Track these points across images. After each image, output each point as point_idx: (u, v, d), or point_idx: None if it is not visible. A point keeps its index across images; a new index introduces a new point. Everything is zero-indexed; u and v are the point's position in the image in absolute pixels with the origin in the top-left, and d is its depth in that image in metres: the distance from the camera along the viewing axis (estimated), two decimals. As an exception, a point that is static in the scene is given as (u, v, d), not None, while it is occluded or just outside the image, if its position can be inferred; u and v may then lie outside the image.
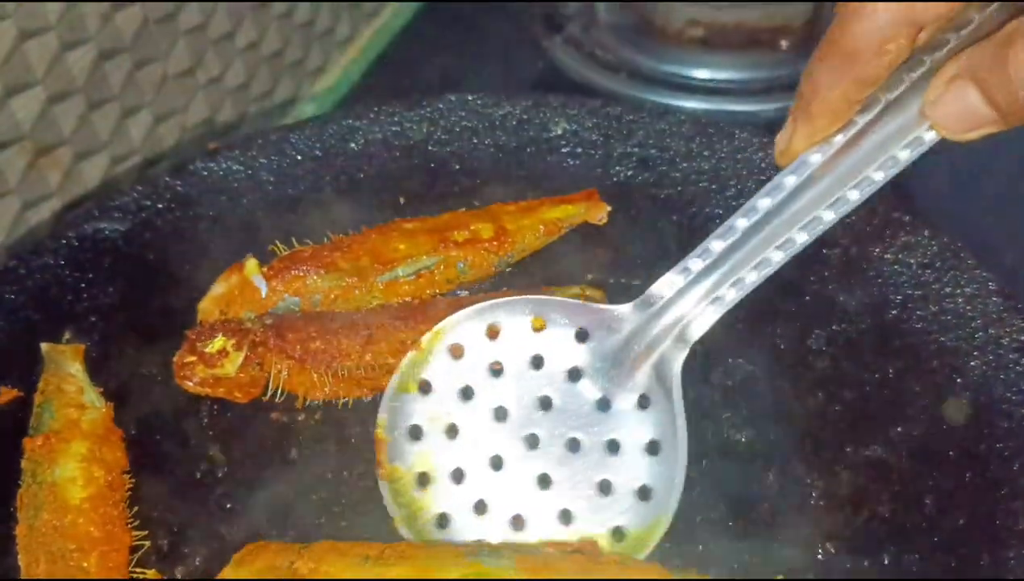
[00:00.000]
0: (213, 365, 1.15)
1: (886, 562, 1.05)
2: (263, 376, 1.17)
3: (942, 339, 1.17)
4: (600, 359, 0.99)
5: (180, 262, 1.26)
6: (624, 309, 0.97)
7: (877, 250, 1.25)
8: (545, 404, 1.00)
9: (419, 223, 1.30)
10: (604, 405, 1.00)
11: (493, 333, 1.01)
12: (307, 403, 1.18)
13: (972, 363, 1.14)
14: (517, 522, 0.99)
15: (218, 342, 1.16)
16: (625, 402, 0.99)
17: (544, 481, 1.00)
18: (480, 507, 1.00)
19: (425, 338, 1.03)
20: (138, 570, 1.04)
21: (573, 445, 0.99)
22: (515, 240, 1.29)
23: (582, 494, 0.99)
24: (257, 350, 1.17)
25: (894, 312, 1.21)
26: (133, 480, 1.10)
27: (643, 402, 0.99)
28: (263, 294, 1.21)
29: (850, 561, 1.05)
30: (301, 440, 1.15)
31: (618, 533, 0.99)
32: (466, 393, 1.01)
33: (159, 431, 1.16)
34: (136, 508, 1.08)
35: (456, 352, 1.01)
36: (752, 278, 0.92)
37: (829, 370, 1.19)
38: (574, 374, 1.00)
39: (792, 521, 1.07)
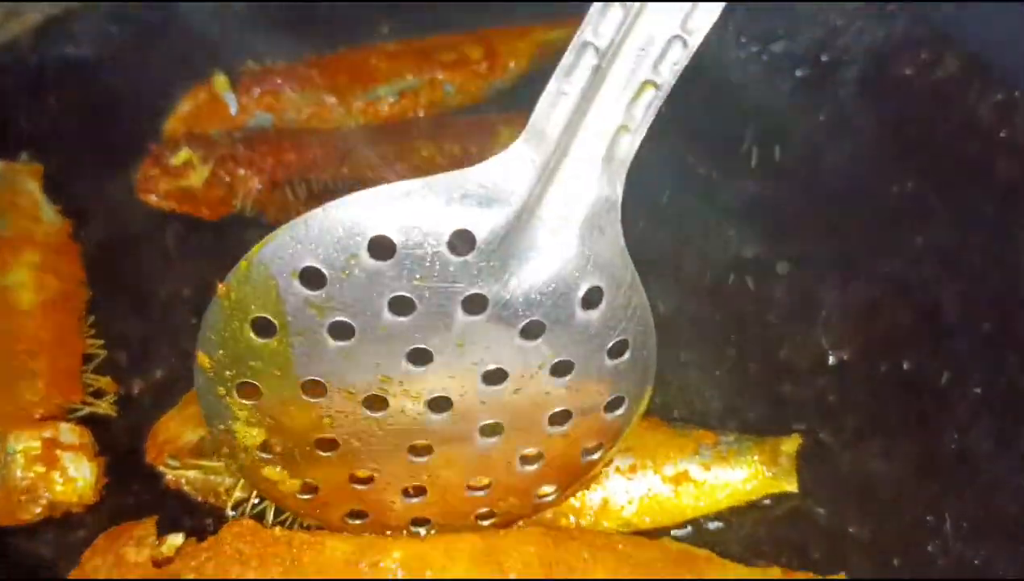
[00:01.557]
0: (178, 177, 1.07)
1: (905, 367, 0.95)
2: (231, 193, 1.09)
3: (967, 149, 1.08)
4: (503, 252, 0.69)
5: (145, 86, 1.18)
6: (511, 165, 0.67)
7: (896, 67, 1.15)
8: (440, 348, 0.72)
9: (403, 45, 1.22)
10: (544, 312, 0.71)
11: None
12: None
13: (999, 167, 1.04)
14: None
15: (183, 154, 1.09)
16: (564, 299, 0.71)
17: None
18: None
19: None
20: (93, 377, 0.96)
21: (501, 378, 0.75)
22: (507, 63, 1.20)
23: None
24: (226, 165, 1.09)
25: (915, 126, 1.11)
26: (92, 294, 1.02)
27: (591, 296, 0.71)
28: (233, 111, 1.13)
29: (865, 367, 0.95)
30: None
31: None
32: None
33: (122, 250, 1.08)
34: (95, 320, 1.01)
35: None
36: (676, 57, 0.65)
37: (846, 186, 1.09)
38: (475, 303, 0.70)
39: (801, 330, 0.98)
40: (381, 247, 0.67)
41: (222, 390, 0.74)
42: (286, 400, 0.74)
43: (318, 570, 0.79)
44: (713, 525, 0.88)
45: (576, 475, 0.82)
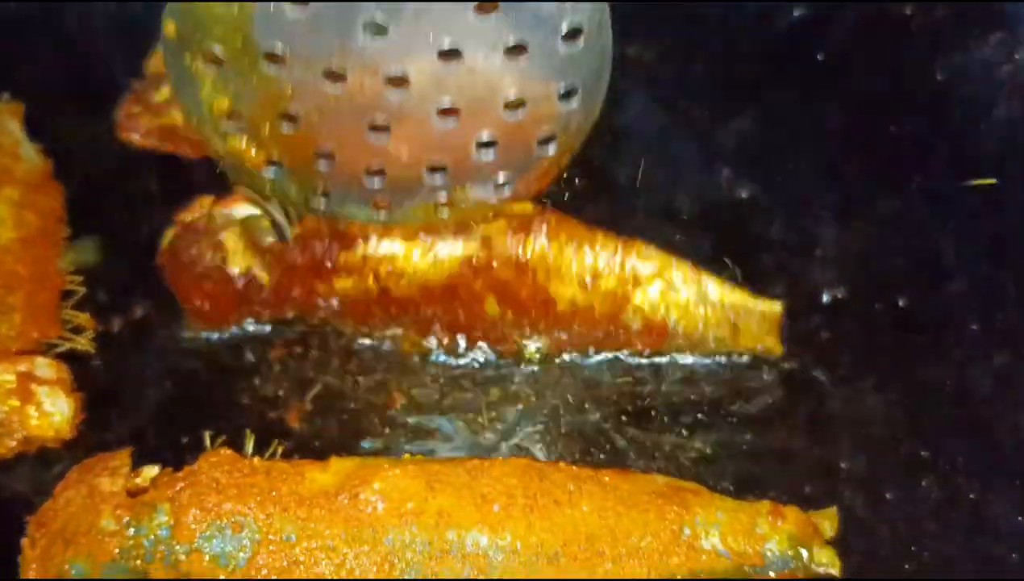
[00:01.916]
0: (159, 115, 1.05)
1: (901, 306, 0.93)
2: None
3: (966, 88, 1.05)
4: None
5: (127, 24, 1.15)
6: None
7: (894, 5, 1.13)
8: None
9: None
10: None
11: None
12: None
13: (996, 109, 1.02)
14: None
15: (165, 91, 1.06)
16: None
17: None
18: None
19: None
20: (72, 313, 0.95)
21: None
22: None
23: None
24: (209, 103, 1.06)
25: (914, 67, 1.09)
26: (71, 231, 1.00)
27: None
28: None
29: (862, 306, 0.93)
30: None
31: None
32: None
33: (101, 189, 1.06)
34: (74, 257, 0.99)
35: None
36: None
37: (843, 127, 1.07)
38: None
39: (796, 269, 0.96)
40: None
41: (188, 56, 0.77)
42: (248, 68, 0.76)
43: (297, 501, 0.77)
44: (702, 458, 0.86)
45: (534, 169, 0.84)
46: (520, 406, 0.91)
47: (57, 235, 1.00)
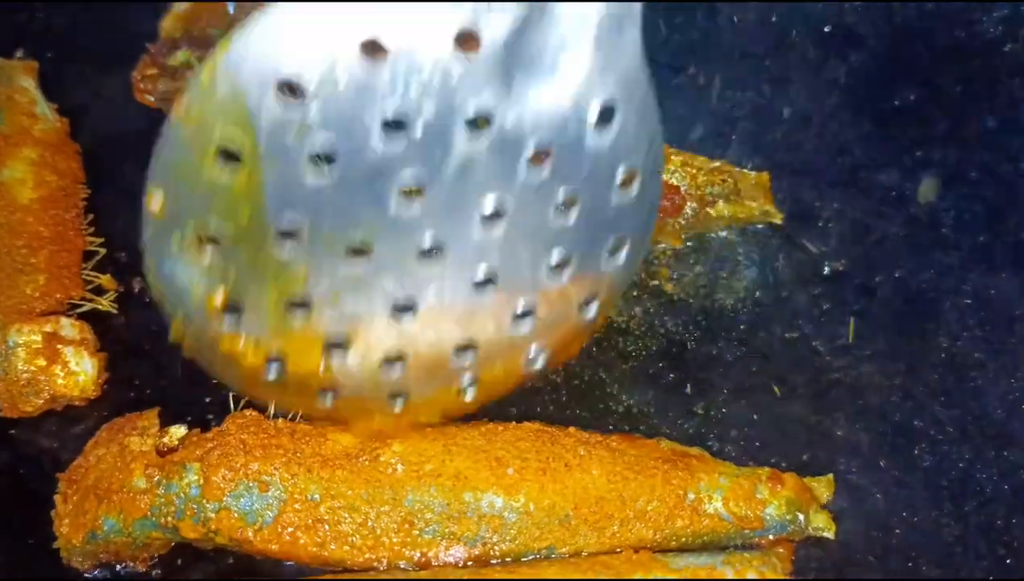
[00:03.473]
0: (176, 78, 1.06)
1: (898, 277, 0.96)
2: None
3: (969, 63, 1.07)
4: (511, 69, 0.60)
5: (142, -15, 1.15)
6: None
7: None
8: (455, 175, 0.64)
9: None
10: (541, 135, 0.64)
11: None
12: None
13: (1000, 82, 1.04)
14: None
15: (181, 54, 1.07)
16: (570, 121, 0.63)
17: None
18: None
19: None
20: (93, 274, 0.97)
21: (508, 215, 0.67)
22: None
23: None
24: (224, 65, 1.07)
25: (918, 39, 1.11)
26: (90, 192, 1.02)
27: (604, 112, 0.64)
28: (231, 10, 1.11)
29: (860, 276, 0.96)
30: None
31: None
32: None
33: (119, 149, 1.07)
34: (94, 219, 1.01)
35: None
36: None
37: (847, 97, 1.09)
38: (476, 123, 0.62)
39: (797, 239, 0.99)
40: (372, 52, 0.56)
41: (177, 237, 0.62)
42: (254, 249, 0.62)
43: (320, 462, 0.80)
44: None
45: (568, 334, 0.75)
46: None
47: (76, 196, 1.02)
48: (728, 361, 0.94)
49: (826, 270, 0.98)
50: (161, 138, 0.58)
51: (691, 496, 0.81)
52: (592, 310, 0.74)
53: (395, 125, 0.58)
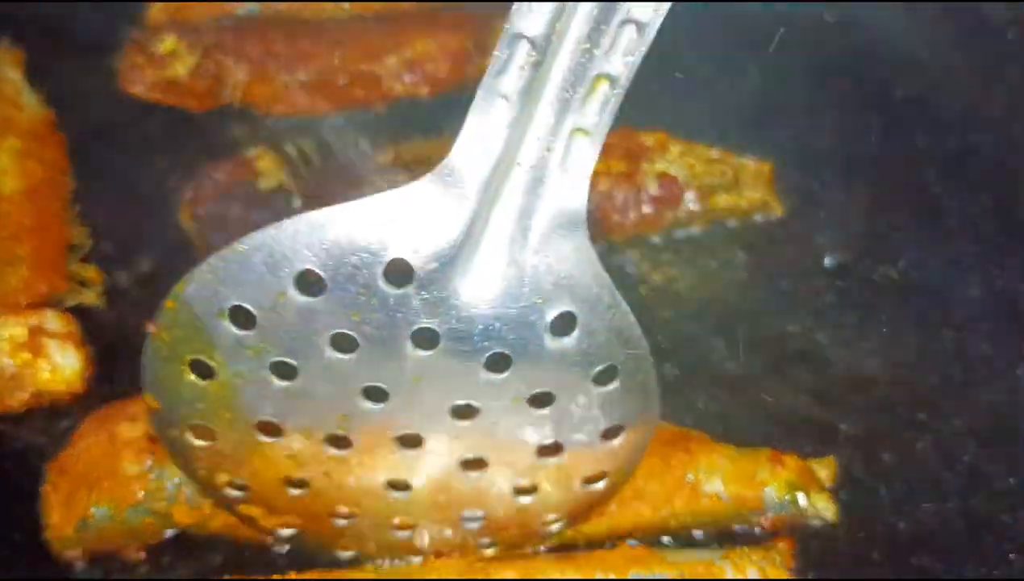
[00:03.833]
0: (163, 67, 1.04)
1: (904, 268, 0.95)
2: (218, 84, 1.06)
3: (975, 52, 1.06)
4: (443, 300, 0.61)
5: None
6: (448, 182, 0.59)
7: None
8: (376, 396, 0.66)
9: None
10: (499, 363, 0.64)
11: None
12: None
13: (1008, 71, 1.03)
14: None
15: (168, 43, 1.06)
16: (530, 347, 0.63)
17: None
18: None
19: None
20: (79, 266, 0.96)
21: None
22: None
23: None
24: (212, 54, 1.05)
25: (924, 27, 1.09)
26: (77, 184, 0.99)
27: (562, 322, 0.62)
28: (252, 10, 1.09)
29: (864, 268, 0.95)
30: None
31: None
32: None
33: (105, 140, 1.05)
34: (80, 210, 0.99)
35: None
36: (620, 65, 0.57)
37: (850, 87, 1.08)
38: (424, 337, 0.63)
39: (800, 231, 0.97)
40: (310, 282, 0.60)
41: (175, 432, 0.69)
42: (242, 441, 0.68)
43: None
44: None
45: (581, 506, 0.74)
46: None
47: (62, 186, 1.00)
48: (728, 354, 0.92)
49: (827, 262, 0.96)
50: (145, 349, 0.65)
51: (690, 476, 0.80)
52: (601, 485, 0.72)
53: (344, 339, 0.62)
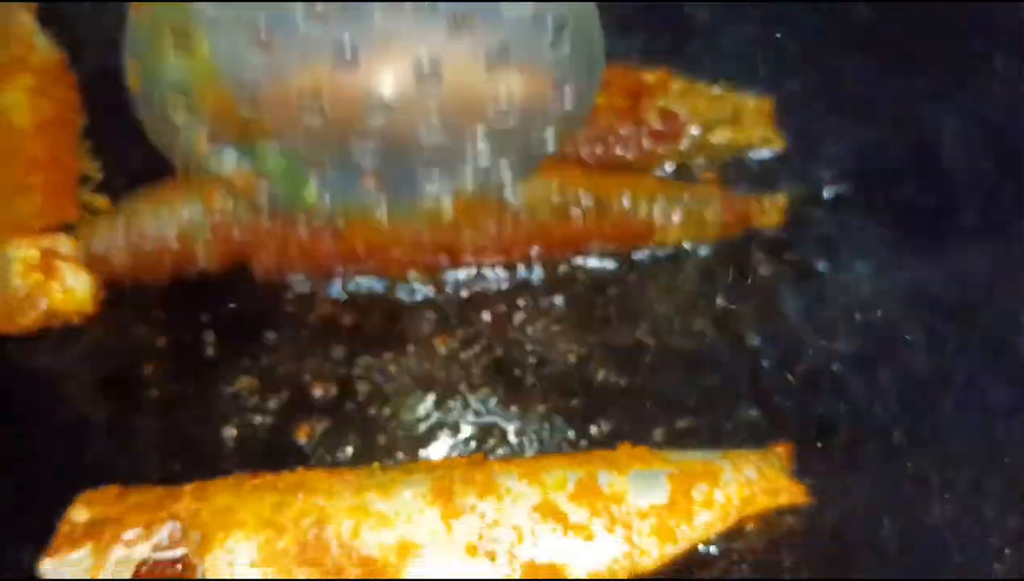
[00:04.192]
0: (173, 9, 1.06)
1: (900, 201, 0.96)
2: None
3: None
4: None
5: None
6: None
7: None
8: None
9: None
10: None
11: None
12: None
13: (1001, 11, 1.04)
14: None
15: (178, -14, 1.07)
16: None
17: None
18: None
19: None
20: (90, 196, 0.97)
21: None
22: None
23: None
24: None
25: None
26: (88, 121, 1.01)
27: None
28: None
29: (861, 200, 0.96)
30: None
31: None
32: None
33: (115, 81, 1.06)
34: (92, 146, 1.01)
35: None
36: None
37: (848, 28, 1.09)
38: None
39: (799, 163, 0.99)
40: None
41: (156, 101, 0.74)
42: (222, 104, 0.72)
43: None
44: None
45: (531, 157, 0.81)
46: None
47: (73, 123, 1.02)
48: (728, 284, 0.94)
49: (827, 194, 0.97)
50: (129, 25, 0.71)
51: None
52: (550, 143, 0.77)
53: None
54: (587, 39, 0.74)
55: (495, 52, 0.71)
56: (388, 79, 0.71)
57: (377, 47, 0.69)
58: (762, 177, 0.99)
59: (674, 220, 0.92)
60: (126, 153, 1.02)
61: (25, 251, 0.89)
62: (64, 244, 0.91)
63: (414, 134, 0.74)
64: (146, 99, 0.75)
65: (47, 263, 0.89)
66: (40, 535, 0.76)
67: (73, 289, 0.90)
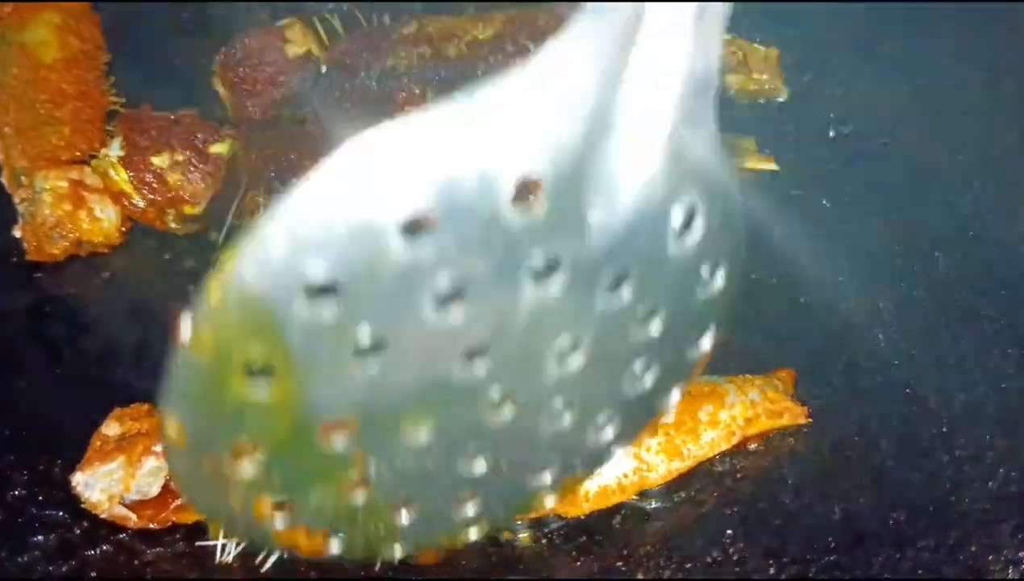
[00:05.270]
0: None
1: (902, 141, 0.98)
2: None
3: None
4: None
5: None
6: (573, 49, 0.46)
7: None
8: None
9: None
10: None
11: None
12: None
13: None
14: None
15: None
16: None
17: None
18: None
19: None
20: (114, 129, 0.99)
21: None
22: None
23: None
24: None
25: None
26: (112, 58, 1.05)
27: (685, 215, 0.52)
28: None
29: (865, 140, 0.98)
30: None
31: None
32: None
33: (140, 19, 1.10)
34: (117, 81, 1.04)
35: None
36: None
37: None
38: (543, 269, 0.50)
39: (804, 105, 1.01)
40: (414, 228, 0.45)
41: (207, 461, 0.52)
42: (299, 452, 0.52)
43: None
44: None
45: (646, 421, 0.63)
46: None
47: (98, 60, 1.05)
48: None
49: (832, 133, 1.00)
50: (172, 369, 0.48)
51: None
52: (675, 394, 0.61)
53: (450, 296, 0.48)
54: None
55: (646, 309, 0.54)
56: (525, 362, 0.53)
57: (518, 333, 0.50)
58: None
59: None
60: (150, 87, 1.05)
61: (54, 182, 0.92)
62: (91, 175, 0.94)
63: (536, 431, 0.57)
64: (191, 456, 0.52)
65: (75, 193, 0.92)
66: (72, 453, 0.79)
67: (100, 219, 0.93)
